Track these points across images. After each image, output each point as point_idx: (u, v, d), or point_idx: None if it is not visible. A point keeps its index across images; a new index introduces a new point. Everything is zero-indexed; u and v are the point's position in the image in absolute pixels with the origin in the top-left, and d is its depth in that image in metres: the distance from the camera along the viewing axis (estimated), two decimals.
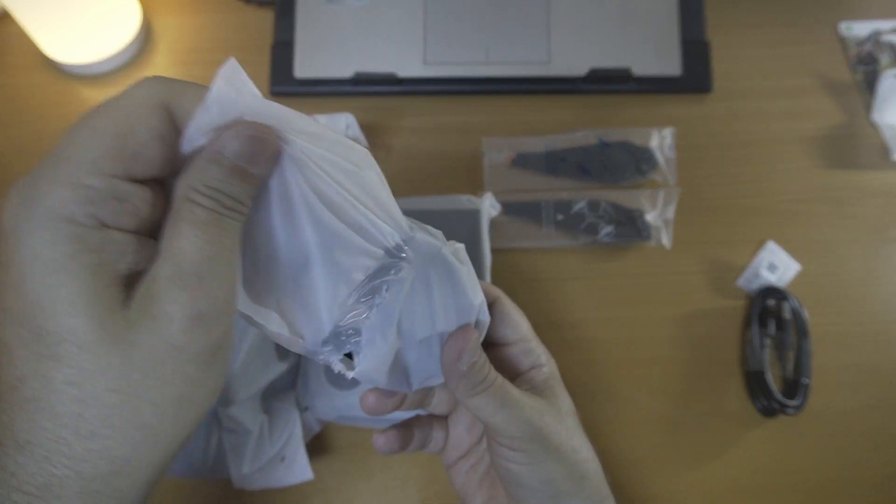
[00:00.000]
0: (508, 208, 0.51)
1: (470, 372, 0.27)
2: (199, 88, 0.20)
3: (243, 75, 0.22)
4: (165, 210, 0.20)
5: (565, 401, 0.31)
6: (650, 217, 0.51)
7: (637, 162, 0.53)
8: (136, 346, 0.18)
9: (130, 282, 0.19)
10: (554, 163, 0.54)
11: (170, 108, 0.20)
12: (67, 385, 0.18)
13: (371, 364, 0.25)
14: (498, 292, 0.31)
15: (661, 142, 0.54)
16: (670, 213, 0.51)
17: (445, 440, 0.34)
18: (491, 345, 0.31)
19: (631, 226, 0.51)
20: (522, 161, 0.54)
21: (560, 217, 0.51)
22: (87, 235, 0.18)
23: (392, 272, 0.24)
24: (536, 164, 0.54)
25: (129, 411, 0.19)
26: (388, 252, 0.24)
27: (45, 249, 0.18)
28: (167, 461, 0.20)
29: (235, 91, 0.21)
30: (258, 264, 0.23)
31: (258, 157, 0.21)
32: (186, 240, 0.19)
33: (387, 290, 0.25)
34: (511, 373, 0.31)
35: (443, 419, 0.35)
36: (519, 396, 0.28)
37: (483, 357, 0.27)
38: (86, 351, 0.18)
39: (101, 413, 0.18)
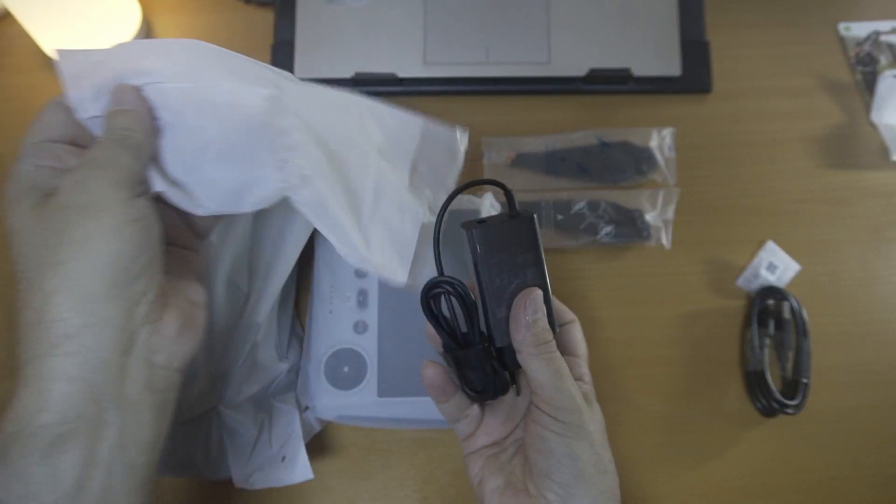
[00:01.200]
0: None
1: (534, 325, 0.31)
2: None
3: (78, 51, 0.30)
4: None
5: (599, 413, 0.34)
6: (650, 217, 0.51)
7: (637, 162, 0.53)
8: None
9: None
10: (554, 163, 0.54)
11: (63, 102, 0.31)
12: None
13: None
14: (574, 317, 0.37)
15: (660, 142, 0.54)
16: (670, 213, 0.51)
17: (478, 425, 0.36)
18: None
19: (631, 226, 0.51)
20: (522, 161, 0.54)
21: (560, 217, 0.51)
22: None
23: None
24: (536, 164, 0.54)
25: None
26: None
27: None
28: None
29: (75, 54, 0.30)
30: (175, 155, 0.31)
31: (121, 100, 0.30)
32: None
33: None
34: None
35: (482, 405, 0.36)
36: (571, 376, 0.32)
37: (545, 321, 0.32)
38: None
39: None
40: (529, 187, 0.53)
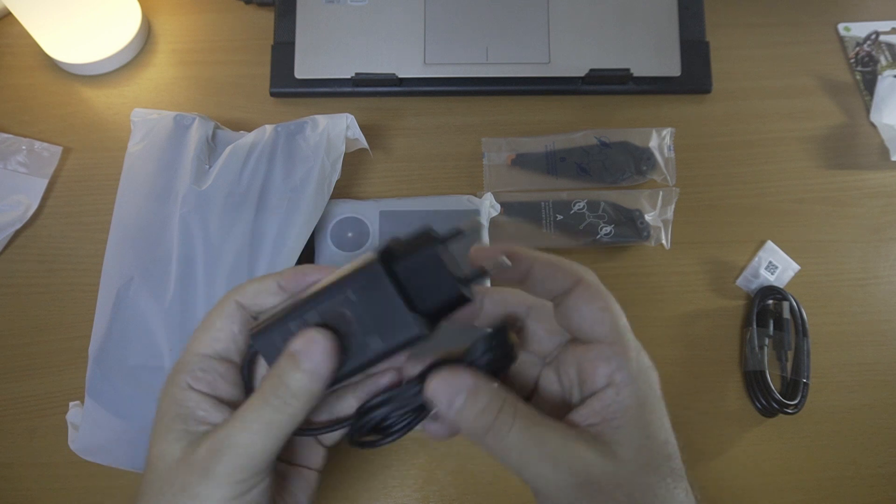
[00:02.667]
0: (508, 208, 0.51)
1: (459, 417, 0.23)
2: (255, 281, 0.28)
3: None
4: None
5: (646, 450, 0.23)
6: (649, 217, 0.51)
7: (636, 162, 0.53)
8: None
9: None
10: (554, 163, 0.54)
11: (238, 300, 0.28)
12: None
13: None
14: (583, 273, 0.25)
15: (660, 142, 0.54)
16: (669, 213, 0.51)
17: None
18: (572, 348, 0.26)
19: (630, 226, 0.51)
20: (522, 161, 0.54)
21: (559, 217, 0.51)
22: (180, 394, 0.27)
23: None
24: (536, 164, 0.54)
25: None
26: None
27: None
28: None
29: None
30: None
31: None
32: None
33: None
34: (583, 386, 0.25)
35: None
36: (555, 443, 0.22)
37: (488, 394, 0.23)
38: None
39: None
40: (529, 187, 0.53)
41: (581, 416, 0.24)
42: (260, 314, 0.28)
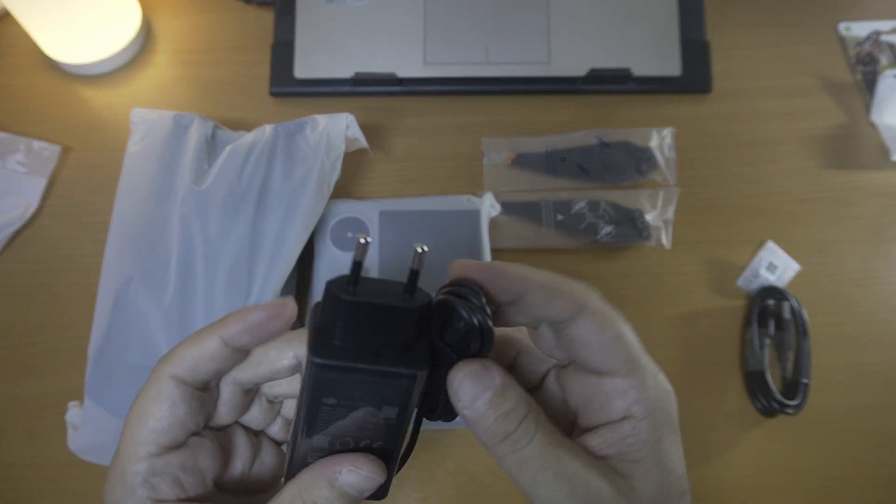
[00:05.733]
0: (508, 208, 0.51)
1: (480, 417, 0.21)
2: (189, 345, 0.23)
3: None
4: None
5: (665, 485, 0.22)
6: (650, 217, 0.51)
7: (637, 162, 0.53)
8: None
9: None
10: (554, 163, 0.54)
11: (175, 375, 0.23)
12: None
13: None
14: (587, 298, 0.22)
15: (661, 142, 0.54)
16: (670, 213, 0.51)
17: None
18: (581, 372, 0.23)
19: (631, 226, 0.51)
20: (522, 161, 0.54)
21: (560, 217, 0.51)
22: None
23: None
24: (536, 164, 0.54)
25: None
26: None
27: None
28: None
29: None
30: None
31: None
32: None
33: None
34: (594, 414, 0.22)
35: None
36: (573, 468, 0.21)
37: (515, 398, 0.21)
38: None
39: None
40: (529, 187, 0.53)
41: (594, 444, 0.22)
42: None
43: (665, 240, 0.51)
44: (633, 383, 0.22)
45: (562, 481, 0.20)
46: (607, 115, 0.57)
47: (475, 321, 0.20)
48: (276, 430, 0.27)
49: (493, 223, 0.49)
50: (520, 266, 0.22)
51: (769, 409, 0.45)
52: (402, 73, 0.55)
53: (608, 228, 0.50)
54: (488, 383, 0.21)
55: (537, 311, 0.22)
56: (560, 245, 0.51)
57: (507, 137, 0.55)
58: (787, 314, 0.48)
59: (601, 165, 0.53)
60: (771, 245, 0.51)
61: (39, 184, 0.53)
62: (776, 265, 0.50)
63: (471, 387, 0.21)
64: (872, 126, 0.56)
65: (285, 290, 0.46)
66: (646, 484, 0.21)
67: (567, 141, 0.55)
